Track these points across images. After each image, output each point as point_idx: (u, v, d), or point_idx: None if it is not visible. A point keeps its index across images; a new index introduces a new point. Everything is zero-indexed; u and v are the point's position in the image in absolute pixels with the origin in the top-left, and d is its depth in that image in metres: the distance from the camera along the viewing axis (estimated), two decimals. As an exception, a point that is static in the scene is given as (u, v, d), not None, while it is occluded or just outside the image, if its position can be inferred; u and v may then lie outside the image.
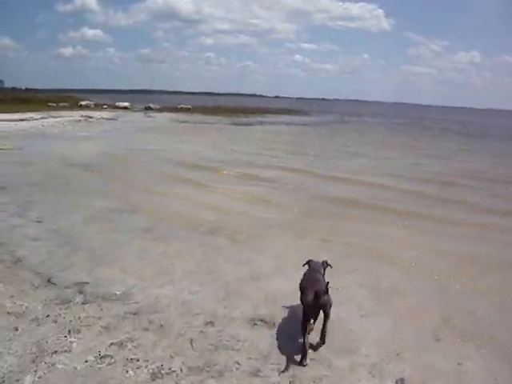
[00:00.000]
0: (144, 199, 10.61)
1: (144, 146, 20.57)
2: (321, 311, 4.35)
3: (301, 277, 4.69)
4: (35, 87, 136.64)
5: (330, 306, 4.37)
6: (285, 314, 5.06)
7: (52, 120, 32.70)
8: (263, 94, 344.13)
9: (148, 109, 52.37)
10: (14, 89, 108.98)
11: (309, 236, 8.12)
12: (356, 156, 20.42)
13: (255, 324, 4.84)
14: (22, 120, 30.76)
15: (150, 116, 43.10)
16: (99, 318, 4.82)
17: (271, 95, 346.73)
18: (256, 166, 16.00)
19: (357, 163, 18.20)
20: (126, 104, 53.29)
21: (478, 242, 8.26)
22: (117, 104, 52.87)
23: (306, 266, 4.85)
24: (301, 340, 4.23)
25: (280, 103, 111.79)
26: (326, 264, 4.90)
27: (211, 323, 4.81)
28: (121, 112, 46.49)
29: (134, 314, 4.95)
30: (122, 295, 5.39)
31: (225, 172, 14.61)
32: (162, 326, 4.73)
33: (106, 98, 73.55)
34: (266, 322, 4.87)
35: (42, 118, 33.31)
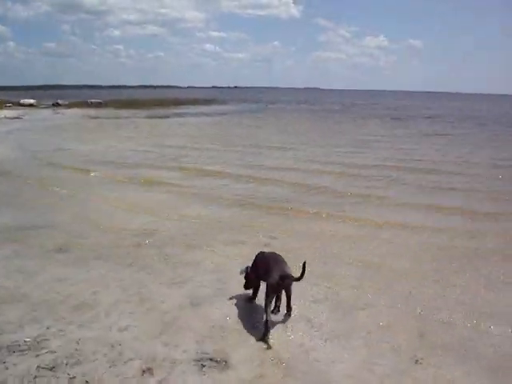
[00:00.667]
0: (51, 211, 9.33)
1: (47, 147, 18.83)
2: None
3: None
4: None
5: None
6: (236, 348, 4.29)
7: None
8: (177, 85, 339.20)
9: (56, 105, 48.90)
10: None
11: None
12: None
13: (203, 366, 4.01)
14: None
15: (59, 113, 40.16)
16: (3, 382, 3.77)
17: (184, 85, 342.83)
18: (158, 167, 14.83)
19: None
20: (32, 101, 49.36)
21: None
22: (22, 101, 48.78)
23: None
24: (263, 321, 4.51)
25: (194, 93, 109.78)
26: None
27: (149, 371, 3.92)
28: (26, 110, 42.91)
29: (51, 368, 3.95)
30: (34, 343, 4.33)
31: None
32: (87, 383, 3.78)
33: (10, 95, 67.94)
34: (216, 362, 4.06)
35: None
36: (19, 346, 4.27)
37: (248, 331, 4.57)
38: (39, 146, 19.23)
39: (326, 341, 4.43)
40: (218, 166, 14.76)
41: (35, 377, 3.83)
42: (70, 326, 4.64)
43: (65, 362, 4.03)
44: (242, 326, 4.65)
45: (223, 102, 66.02)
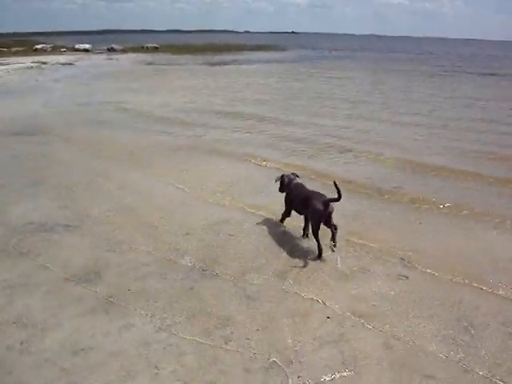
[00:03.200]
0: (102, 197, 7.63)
1: (99, 98, 17.19)
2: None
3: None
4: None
5: None
6: None
7: (-3, 68, 28.52)
8: (233, 30, 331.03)
9: (111, 50, 47.68)
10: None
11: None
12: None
13: None
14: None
15: (112, 58, 38.76)
16: None
17: (241, 30, 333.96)
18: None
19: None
20: (87, 46, 48.30)
21: None
22: (76, 46, 47.85)
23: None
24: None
25: (251, 38, 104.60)
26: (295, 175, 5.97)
27: None
28: (81, 55, 41.97)
29: None
30: None
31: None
32: None
33: (67, 40, 67.36)
34: None
35: (-16, 67, 29.07)
36: None
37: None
38: (85, 97, 17.68)
39: None
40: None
41: None
42: None
43: None
44: None
45: (283, 49, 62.20)
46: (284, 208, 5.92)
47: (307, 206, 5.22)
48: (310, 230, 5.31)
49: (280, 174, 6.03)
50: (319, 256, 5.09)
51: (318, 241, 5.08)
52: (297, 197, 5.56)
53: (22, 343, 3.80)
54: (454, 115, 14.53)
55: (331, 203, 5.01)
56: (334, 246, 5.02)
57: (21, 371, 3.49)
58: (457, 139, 11.27)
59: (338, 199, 4.87)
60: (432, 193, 7.42)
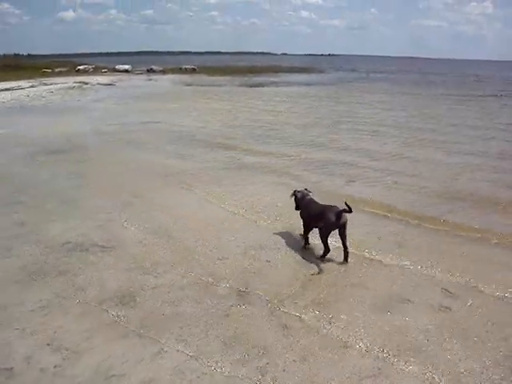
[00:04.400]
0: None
1: (138, 118, 17.02)
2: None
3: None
4: (39, 53, 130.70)
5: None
6: None
7: (42, 88, 29.19)
8: (270, 52, 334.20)
9: (150, 71, 48.41)
10: (16, 55, 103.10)
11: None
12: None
13: None
14: (6, 90, 27.23)
15: (152, 79, 39.22)
16: None
17: (278, 52, 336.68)
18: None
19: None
20: (127, 67, 49.27)
21: None
22: (117, 67, 48.87)
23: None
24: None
25: (289, 60, 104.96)
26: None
27: None
28: (121, 76, 42.70)
29: None
30: None
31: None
32: None
33: (108, 61, 69.15)
34: None
35: (31, 87, 29.78)
36: None
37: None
38: (125, 117, 17.56)
39: None
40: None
41: None
42: None
43: None
44: None
45: (320, 71, 61.81)
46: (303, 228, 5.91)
47: (321, 218, 5.36)
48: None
49: (293, 190, 6.14)
50: (323, 257, 5.44)
51: (325, 244, 5.39)
52: (311, 211, 5.68)
53: (55, 366, 3.68)
54: None
55: (344, 214, 5.17)
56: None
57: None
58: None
59: (350, 211, 5.09)
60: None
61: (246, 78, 42.39)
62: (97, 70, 47.38)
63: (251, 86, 34.22)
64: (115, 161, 10.56)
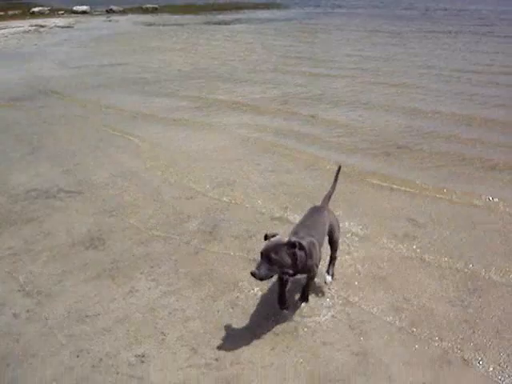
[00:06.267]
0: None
1: (104, 61, 16.80)
2: None
3: None
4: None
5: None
6: None
7: (-5, 33, 27.90)
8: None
9: (110, 11, 46.50)
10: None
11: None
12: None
13: None
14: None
15: (111, 20, 37.79)
16: None
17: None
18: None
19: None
20: (85, 8, 47.18)
21: None
22: (74, 8, 46.69)
23: None
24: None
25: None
26: None
27: None
28: (79, 17, 40.94)
29: None
30: None
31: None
32: None
33: (65, 2, 65.27)
34: None
35: (-19, 33, 28.44)
36: None
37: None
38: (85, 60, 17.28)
39: None
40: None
41: None
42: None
43: None
44: None
45: (285, 6, 59.95)
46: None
47: None
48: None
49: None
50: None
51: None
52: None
53: (28, 311, 3.80)
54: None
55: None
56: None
57: (28, 339, 3.51)
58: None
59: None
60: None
61: (209, 16, 41.14)
62: (53, 12, 45.26)
63: (215, 24, 33.39)
64: (79, 102, 10.65)
